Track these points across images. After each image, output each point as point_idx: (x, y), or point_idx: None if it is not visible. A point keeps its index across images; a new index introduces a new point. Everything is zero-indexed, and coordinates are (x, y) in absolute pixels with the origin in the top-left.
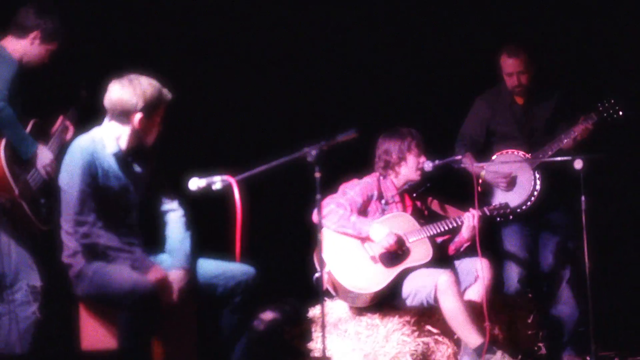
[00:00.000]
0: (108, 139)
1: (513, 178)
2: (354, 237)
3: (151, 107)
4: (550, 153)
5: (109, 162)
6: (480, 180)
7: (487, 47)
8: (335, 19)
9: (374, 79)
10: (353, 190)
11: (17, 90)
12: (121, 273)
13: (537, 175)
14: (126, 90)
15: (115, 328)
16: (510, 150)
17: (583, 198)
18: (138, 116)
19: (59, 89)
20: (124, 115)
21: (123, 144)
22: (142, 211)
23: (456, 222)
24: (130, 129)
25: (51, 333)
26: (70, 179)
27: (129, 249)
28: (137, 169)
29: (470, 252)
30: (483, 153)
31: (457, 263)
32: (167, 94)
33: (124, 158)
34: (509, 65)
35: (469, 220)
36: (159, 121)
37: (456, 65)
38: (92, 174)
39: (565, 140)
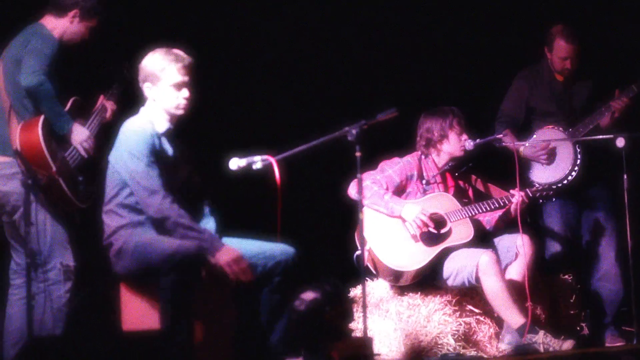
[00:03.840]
0: (157, 119)
1: (552, 150)
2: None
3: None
4: (590, 127)
5: (162, 141)
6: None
7: (527, 25)
8: None
9: (414, 58)
10: (392, 168)
11: (57, 69)
12: (162, 242)
13: (579, 150)
14: None
15: (157, 307)
16: (550, 126)
17: (625, 176)
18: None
19: (100, 68)
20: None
21: None
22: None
23: (498, 203)
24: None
25: (92, 315)
26: (137, 162)
27: (199, 229)
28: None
29: (509, 228)
30: (523, 131)
31: (496, 241)
32: None
33: (172, 137)
34: (566, 50)
35: (515, 200)
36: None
37: (496, 42)
38: (157, 154)
39: (606, 114)
